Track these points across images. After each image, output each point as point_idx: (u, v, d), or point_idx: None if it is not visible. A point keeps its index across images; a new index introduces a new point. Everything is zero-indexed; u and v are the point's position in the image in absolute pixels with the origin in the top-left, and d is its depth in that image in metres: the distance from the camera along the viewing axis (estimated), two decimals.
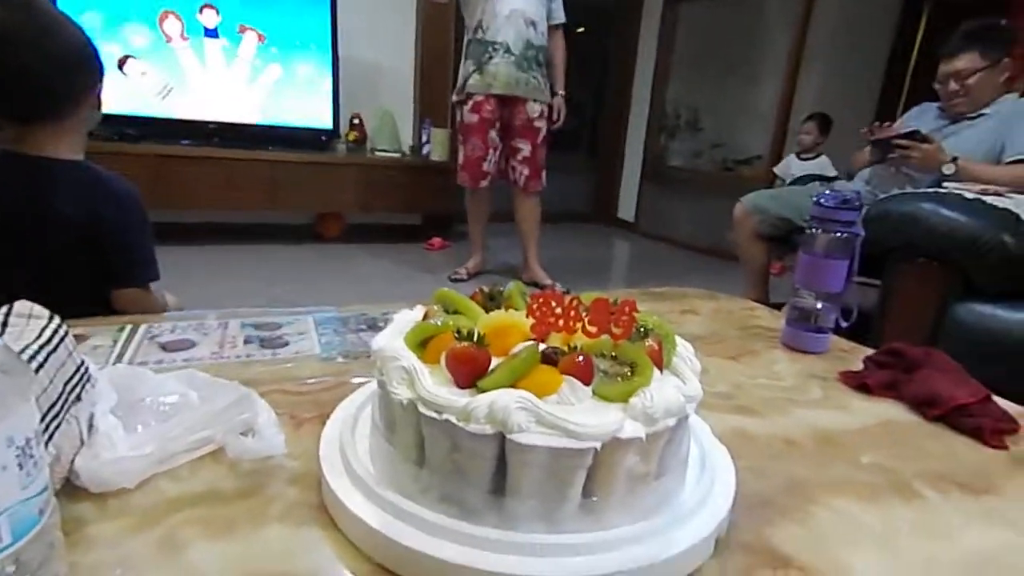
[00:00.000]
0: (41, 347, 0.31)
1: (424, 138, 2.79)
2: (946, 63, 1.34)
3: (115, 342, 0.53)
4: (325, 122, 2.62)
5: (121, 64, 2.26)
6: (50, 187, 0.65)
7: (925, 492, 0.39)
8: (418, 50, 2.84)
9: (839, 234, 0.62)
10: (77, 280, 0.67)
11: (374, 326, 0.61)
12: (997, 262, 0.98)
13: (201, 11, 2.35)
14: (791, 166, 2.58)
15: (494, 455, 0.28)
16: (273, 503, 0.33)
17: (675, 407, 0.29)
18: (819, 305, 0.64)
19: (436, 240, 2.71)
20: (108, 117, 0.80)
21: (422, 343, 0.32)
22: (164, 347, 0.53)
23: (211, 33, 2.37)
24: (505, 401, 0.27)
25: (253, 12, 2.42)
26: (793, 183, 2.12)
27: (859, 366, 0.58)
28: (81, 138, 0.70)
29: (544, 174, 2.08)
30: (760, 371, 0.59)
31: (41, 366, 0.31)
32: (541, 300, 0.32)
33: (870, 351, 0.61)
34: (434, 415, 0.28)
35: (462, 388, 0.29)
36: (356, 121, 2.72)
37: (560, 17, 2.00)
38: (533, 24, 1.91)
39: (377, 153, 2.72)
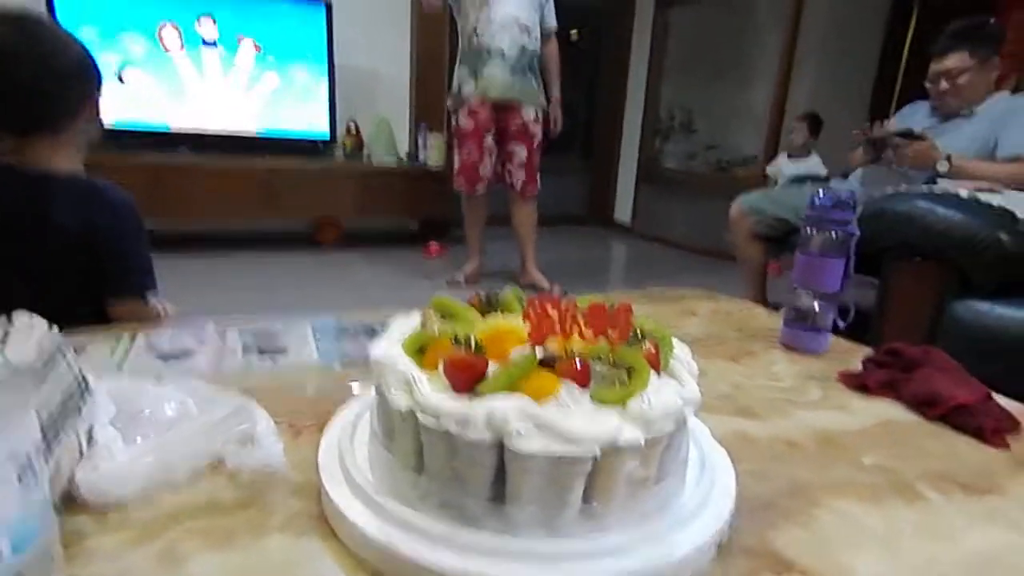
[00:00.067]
0: (41, 360, 0.31)
1: (420, 144, 2.80)
2: (936, 62, 1.36)
3: (113, 352, 0.53)
4: (322, 129, 2.63)
5: (120, 74, 2.27)
6: (47, 199, 0.65)
7: (927, 493, 0.39)
8: (413, 57, 2.86)
9: (835, 234, 0.63)
10: (75, 290, 0.67)
11: (372, 333, 0.61)
12: (993, 260, 0.98)
13: (199, 22, 2.36)
14: (782, 166, 2.61)
15: (493, 462, 0.28)
16: (273, 513, 0.33)
17: (673, 411, 0.29)
18: (817, 305, 0.64)
19: (433, 245, 2.71)
20: (106, 128, 0.80)
21: (420, 350, 0.32)
22: (162, 356, 0.53)
23: (209, 43, 2.39)
24: (503, 408, 0.27)
25: (250, 22, 2.44)
26: (787, 183, 2.14)
27: (858, 366, 0.58)
28: (79, 149, 0.70)
29: (539, 177, 2.09)
30: (759, 372, 0.59)
31: (41, 379, 0.31)
32: (537, 305, 0.32)
33: (869, 350, 0.61)
34: (433, 422, 0.28)
35: (460, 394, 0.29)
36: (352, 128, 2.73)
37: (552, 23, 2.02)
38: (527, 30, 1.93)
39: (373, 160, 2.73)
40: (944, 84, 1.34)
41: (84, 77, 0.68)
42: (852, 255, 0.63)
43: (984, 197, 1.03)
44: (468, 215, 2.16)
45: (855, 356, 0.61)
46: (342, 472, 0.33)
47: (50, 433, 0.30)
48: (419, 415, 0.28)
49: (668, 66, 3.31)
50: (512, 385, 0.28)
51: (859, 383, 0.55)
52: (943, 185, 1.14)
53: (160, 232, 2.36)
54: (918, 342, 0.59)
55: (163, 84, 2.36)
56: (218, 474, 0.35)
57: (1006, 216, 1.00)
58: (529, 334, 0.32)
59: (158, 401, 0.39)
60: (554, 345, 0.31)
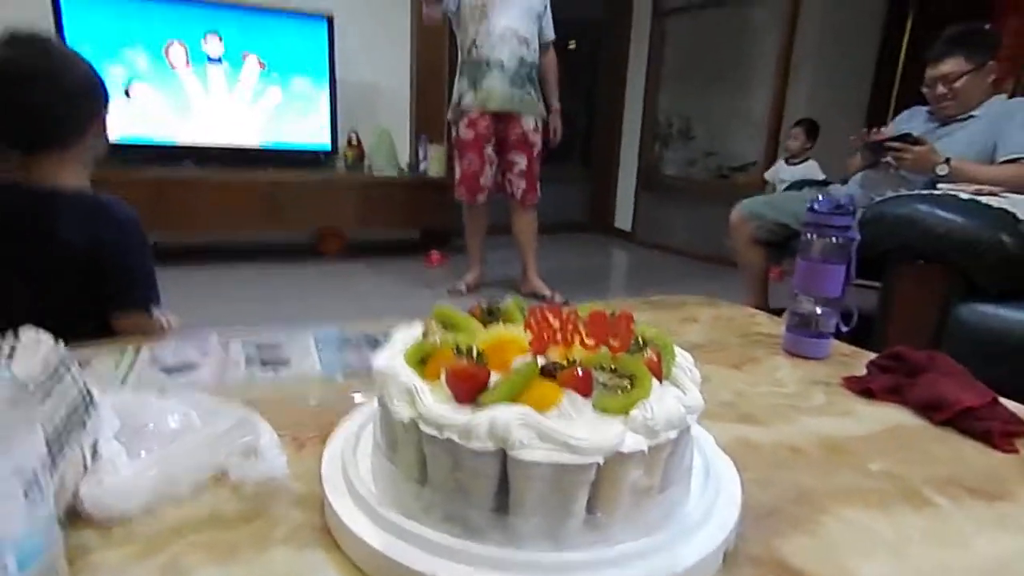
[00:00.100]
0: (46, 375, 0.31)
1: (421, 155, 2.83)
2: (932, 67, 1.37)
3: (118, 365, 0.53)
4: (323, 141, 2.66)
5: (127, 91, 2.31)
6: (54, 215, 0.66)
7: (935, 499, 0.38)
8: (413, 69, 2.89)
9: (835, 239, 0.63)
10: (80, 305, 0.68)
11: (374, 343, 0.61)
12: (996, 262, 0.98)
13: (205, 40, 2.40)
14: (780, 171, 2.64)
15: (496, 472, 0.28)
16: (276, 526, 0.33)
17: (676, 419, 0.29)
18: (819, 310, 0.64)
19: (435, 255, 2.72)
20: (113, 144, 0.82)
21: (422, 361, 0.32)
22: (166, 369, 0.53)
23: (214, 60, 2.43)
24: (506, 417, 0.27)
25: (254, 39, 2.48)
26: (786, 188, 2.15)
27: (862, 371, 0.58)
28: (85, 166, 0.71)
29: (539, 186, 2.10)
30: (762, 378, 0.58)
31: (46, 394, 0.31)
32: (538, 314, 0.32)
33: (872, 355, 0.61)
34: (435, 433, 0.28)
35: (463, 405, 0.29)
36: (354, 140, 2.76)
37: (550, 34, 2.05)
38: (526, 42, 1.95)
39: (375, 171, 2.75)
40: (941, 89, 1.35)
41: (92, 96, 0.70)
42: (853, 260, 0.63)
43: (984, 199, 1.03)
44: (469, 224, 2.17)
45: (859, 361, 0.61)
46: (345, 484, 0.33)
47: (55, 447, 0.31)
48: (422, 426, 0.28)
49: (666, 74, 3.34)
50: (514, 395, 0.28)
51: (864, 388, 0.55)
52: (943, 189, 1.14)
53: (165, 245, 2.39)
54: (922, 346, 0.58)
55: (169, 100, 2.40)
56: (221, 487, 0.35)
57: (1007, 218, 1.00)
58: (531, 343, 0.32)
59: (162, 414, 0.39)
60: (556, 354, 0.31)
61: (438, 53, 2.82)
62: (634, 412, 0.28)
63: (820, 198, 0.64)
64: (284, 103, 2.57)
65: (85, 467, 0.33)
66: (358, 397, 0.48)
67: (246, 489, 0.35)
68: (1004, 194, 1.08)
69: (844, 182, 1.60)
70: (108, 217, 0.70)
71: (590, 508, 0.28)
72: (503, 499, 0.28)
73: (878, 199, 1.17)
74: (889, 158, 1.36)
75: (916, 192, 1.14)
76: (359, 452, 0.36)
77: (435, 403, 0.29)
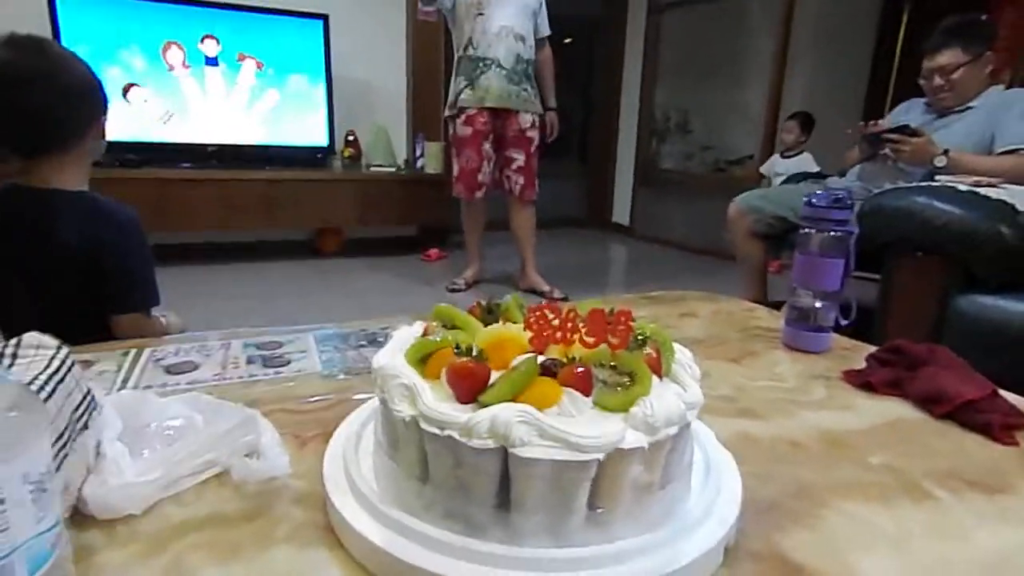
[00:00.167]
0: (49, 377, 0.31)
1: (418, 152, 2.82)
2: (929, 59, 1.36)
3: (120, 367, 0.53)
4: (321, 140, 2.65)
5: (125, 92, 2.30)
6: (54, 217, 0.66)
7: (936, 492, 0.38)
8: (409, 67, 2.88)
9: (833, 233, 0.63)
10: (81, 306, 0.68)
11: (374, 342, 0.61)
12: (995, 253, 0.98)
13: (202, 41, 2.39)
14: (775, 164, 2.64)
15: (497, 470, 0.28)
16: (279, 524, 0.33)
17: (676, 415, 0.29)
18: (818, 304, 0.64)
19: (433, 251, 2.72)
20: (112, 144, 0.81)
21: (422, 359, 0.32)
22: (168, 370, 0.54)
23: (211, 62, 2.42)
24: (506, 415, 0.27)
25: (250, 39, 2.47)
26: (783, 181, 2.14)
27: (862, 364, 0.58)
28: (85, 168, 0.71)
29: (537, 182, 2.10)
30: (762, 373, 0.58)
31: (50, 396, 0.31)
32: (538, 312, 0.32)
33: (872, 348, 0.61)
34: (436, 431, 0.28)
35: (463, 403, 0.29)
36: (351, 138, 2.75)
37: (546, 30, 2.04)
38: (522, 39, 1.95)
39: (372, 168, 2.74)
40: (938, 80, 1.35)
41: (91, 99, 0.69)
42: (852, 253, 0.63)
43: (983, 190, 1.03)
44: (467, 221, 2.16)
45: (858, 354, 0.61)
46: (347, 482, 0.33)
47: (59, 449, 0.31)
48: (423, 424, 0.28)
49: (662, 69, 3.33)
50: (515, 393, 0.28)
51: (863, 382, 0.55)
52: (941, 180, 1.14)
53: (164, 244, 2.38)
54: (922, 338, 0.58)
55: (167, 101, 2.38)
56: (224, 486, 0.36)
57: (1006, 209, 1.00)
58: (530, 342, 0.32)
59: (164, 415, 0.39)
60: (556, 352, 0.31)
61: (434, 51, 2.81)
62: (634, 409, 0.28)
63: (818, 192, 0.64)
64: (281, 102, 2.56)
65: (88, 468, 0.33)
66: (359, 395, 0.48)
67: (248, 488, 0.35)
68: (1003, 185, 1.08)
69: (841, 174, 1.60)
70: (108, 218, 0.69)
71: (591, 504, 0.28)
72: (504, 496, 0.28)
73: (876, 191, 1.17)
74: (887, 150, 1.35)
75: (914, 184, 1.14)
76: (361, 451, 0.36)
77: (436, 401, 0.29)
